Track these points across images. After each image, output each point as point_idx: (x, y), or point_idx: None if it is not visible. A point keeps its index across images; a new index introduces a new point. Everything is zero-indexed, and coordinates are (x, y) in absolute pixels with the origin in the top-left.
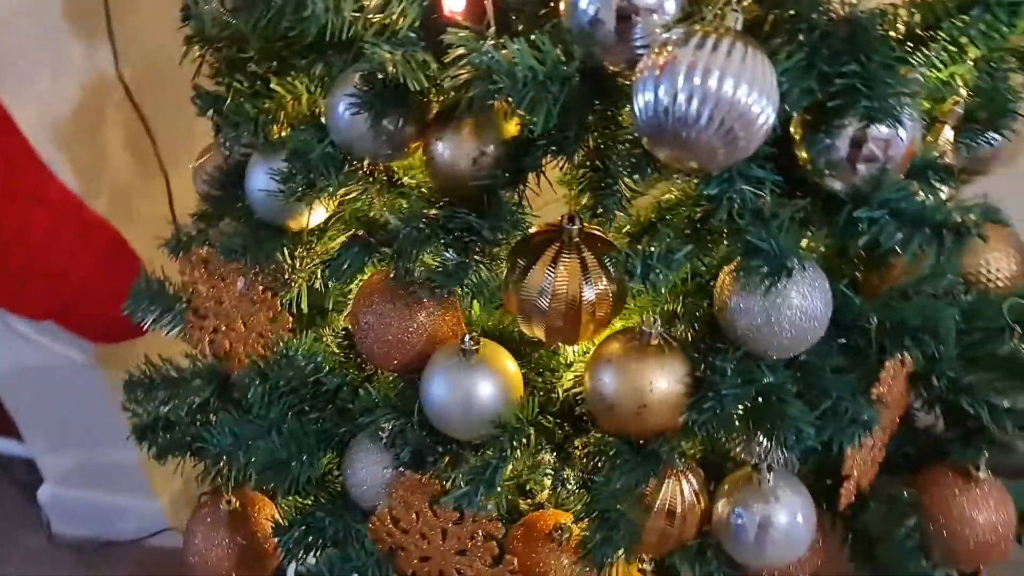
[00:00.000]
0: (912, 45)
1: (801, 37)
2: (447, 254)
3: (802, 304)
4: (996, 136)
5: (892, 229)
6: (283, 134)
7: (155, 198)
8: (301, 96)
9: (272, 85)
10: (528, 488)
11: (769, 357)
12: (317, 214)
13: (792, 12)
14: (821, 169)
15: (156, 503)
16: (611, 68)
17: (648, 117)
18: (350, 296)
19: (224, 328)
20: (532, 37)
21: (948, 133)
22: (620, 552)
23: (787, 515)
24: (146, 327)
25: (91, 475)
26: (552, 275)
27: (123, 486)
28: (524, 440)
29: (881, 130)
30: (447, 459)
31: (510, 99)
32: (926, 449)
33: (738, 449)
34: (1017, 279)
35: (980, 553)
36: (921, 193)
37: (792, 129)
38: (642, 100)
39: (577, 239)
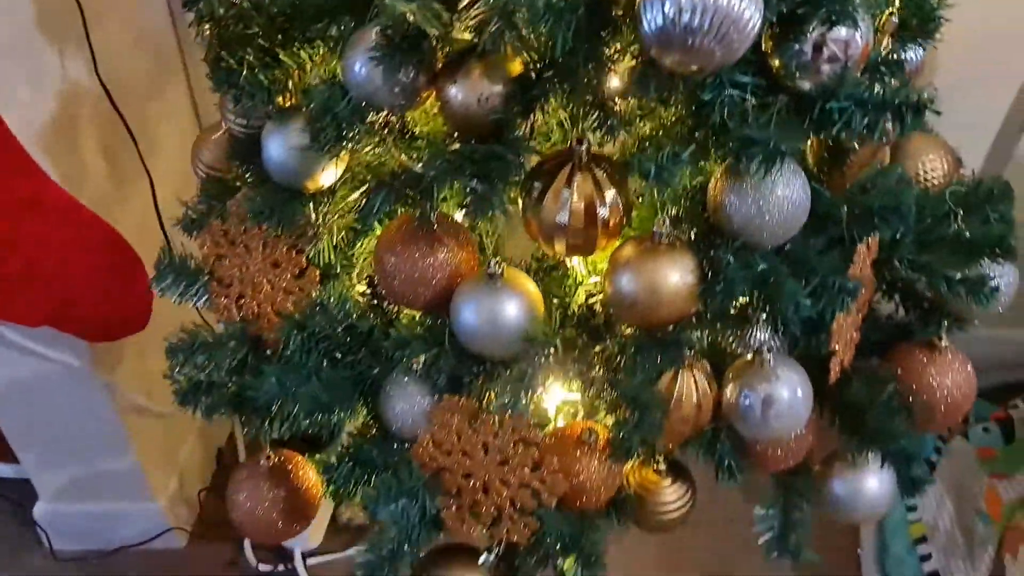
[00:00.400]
0: None
1: None
2: (473, 184)
3: (786, 193)
4: (926, 43)
5: (859, 116)
6: (292, 102)
7: (133, 203)
8: (306, 65)
9: (281, 56)
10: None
11: (762, 246)
12: (330, 174)
13: None
14: (792, 73)
15: (155, 505)
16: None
17: (657, 29)
18: (355, 259)
19: (251, 292)
20: None
21: (886, 43)
22: (652, 436)
23: (788, 390)
24: (174, 301)
25: (88, 486)
26: (569, 193)
27: (121, 492)
28: (551, 350)
29: (840, 32)
30: (481, 379)
31: (527, 30)
32: (891, 333)
33: (734, 344)
34: (950, 176)
35: (951, 412)
36: (877, 86)
37: (763, 42)
38: (651, 15)
39: (587, 159)
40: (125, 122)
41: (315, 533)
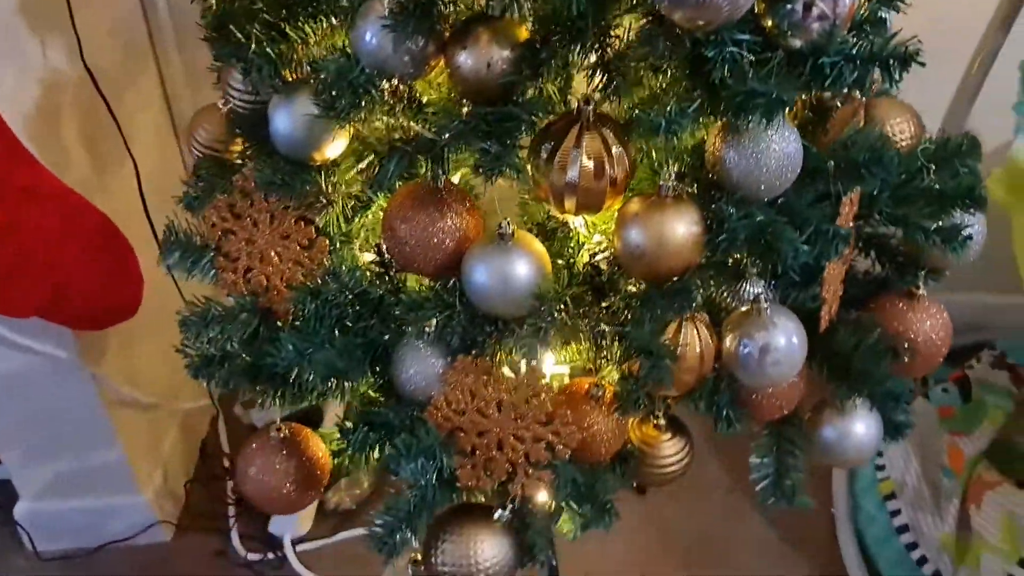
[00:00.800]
0: None
1: None
2: (486, 145)
3: (782, 147)
4: (896, 5)
5: (850, 69)
6: (298, 75)
7: (114, 190)
8: (309, 39)
9: (287, 31)
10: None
11: (759, 198)
12: (338, 145)
13: None
14: (784, 31)
15: (141, 498)
16: None
17: None
18: (354, 234)
19: (259, 264)
20: None
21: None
22: (664, 385)
23: (784, 337)
24: (182, 277)
25: (72, 482)
26: (578, 152)
27: (107, 487)
28: (562, 306)
29: None
30: (494, 338)
31: None
32: (869, 288)
33: (729, 299)
34: (916, 138)
35: (932, 355)
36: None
37: (756, 3)
38: None
39: (594, 119)
40: (110, 108)
41: (304, 519)
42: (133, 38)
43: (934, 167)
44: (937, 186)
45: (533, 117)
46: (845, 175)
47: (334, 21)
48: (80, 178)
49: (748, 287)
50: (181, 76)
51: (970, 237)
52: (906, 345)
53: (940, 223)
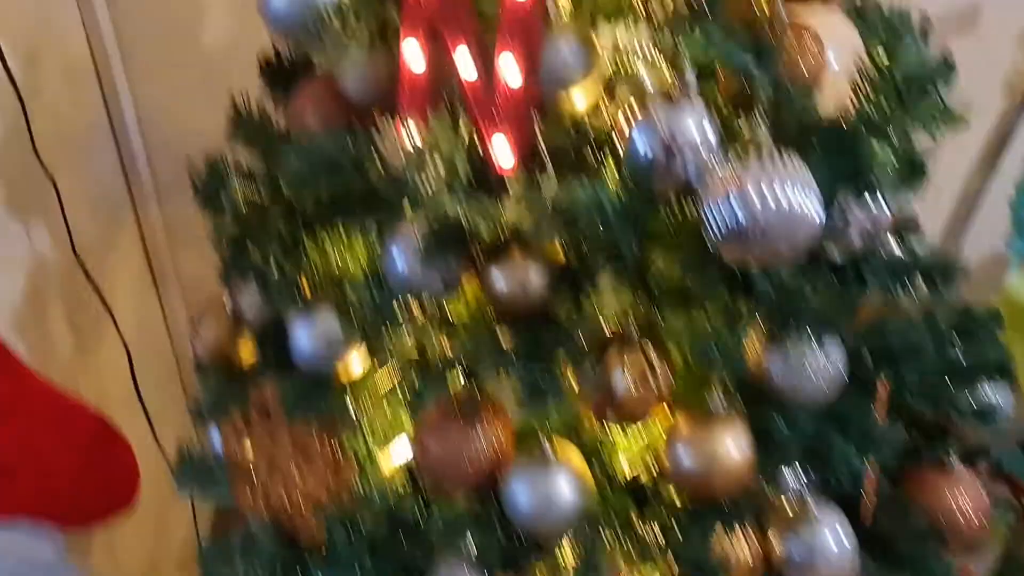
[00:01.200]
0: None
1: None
2: (530, 380)
3: (826, 357)
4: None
5: (893, 279)
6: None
7: (100, 368)
8: (328, 256)
9: (308, 248)
10: None
11: (807, 408)
12: (362, 362)
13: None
14: (826, 244)
15: None
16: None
17: (728, 232)
18: (377, 440)
19: (281, 483)
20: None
21: None
22: None
23: (832, 534)
24: (204, 500)
25: None
26: (622, 368)
27: None
28: (608, 523)
29: (868, 205)
30: (536, 556)
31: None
32: (899, 457)
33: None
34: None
35: (973, 531)
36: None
37: None
38: (721, 218)
39: (637, 334)
40: (102, 297)
41: None
42: (113, 202)
43: (959, 337)
44: (963, 358)
45: (573, 341)
46: (879, 361)
47: (356, 236)
48: (65, 360)
49: (788, 477)
50: (160, 227)
51: (1004, 415)
52: (946, 521)
53: (974, 403)
